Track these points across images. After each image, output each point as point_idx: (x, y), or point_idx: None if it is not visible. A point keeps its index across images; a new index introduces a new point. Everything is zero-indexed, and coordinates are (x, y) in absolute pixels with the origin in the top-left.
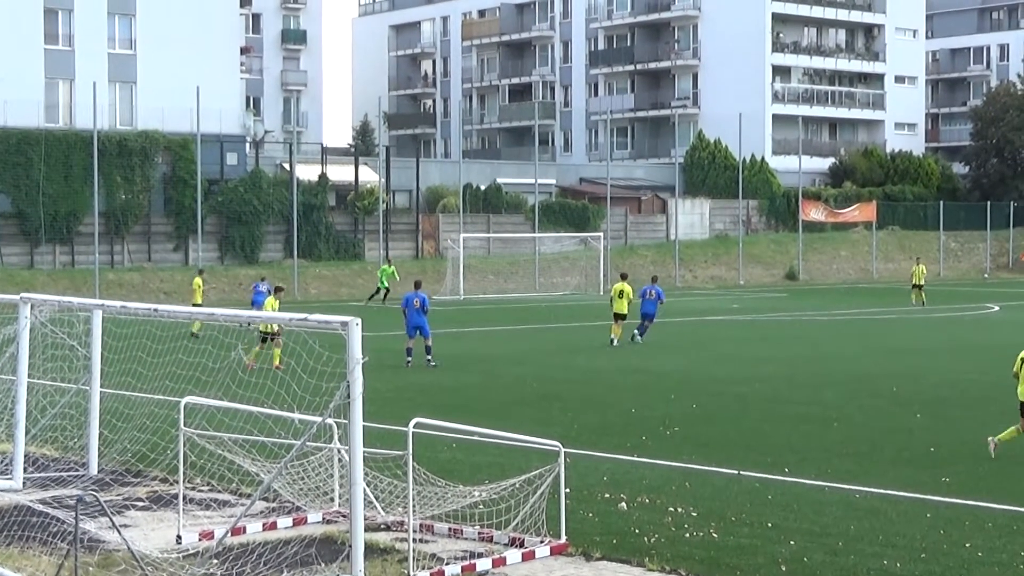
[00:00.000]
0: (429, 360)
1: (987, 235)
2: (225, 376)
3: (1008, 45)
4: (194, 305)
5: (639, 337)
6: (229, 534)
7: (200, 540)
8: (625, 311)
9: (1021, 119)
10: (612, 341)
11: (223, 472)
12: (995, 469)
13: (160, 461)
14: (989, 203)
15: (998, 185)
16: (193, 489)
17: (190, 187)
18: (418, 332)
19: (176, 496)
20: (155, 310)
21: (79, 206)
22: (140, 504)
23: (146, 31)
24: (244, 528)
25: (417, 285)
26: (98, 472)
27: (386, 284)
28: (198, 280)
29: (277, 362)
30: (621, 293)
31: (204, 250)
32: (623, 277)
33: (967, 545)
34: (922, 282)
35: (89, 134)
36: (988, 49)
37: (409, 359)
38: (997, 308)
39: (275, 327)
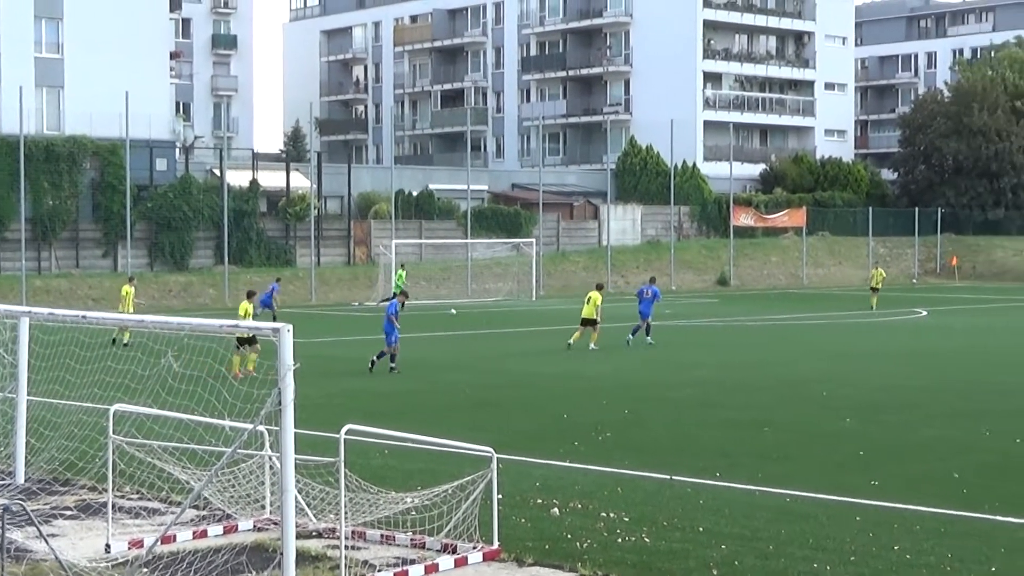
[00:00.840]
0: (392, 367)
1: (915, 241)
2: (155, 383)
3: (935, 53)
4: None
5: (632, 338)
6: (159, 542)
7: (129, 549)
8: (592, 316)
9: (948, 126)
10: (568, 345)
11: (153, 480)
12: (923, 472)
13: (89, 469)
14: (917, 209)
15: (926, 191)
16: (122, 497)
17: (119, 193)
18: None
19: (105, 505)
20: (83, 317)
21: (5, 212)
22: (68, 513)
23: (74, 35)
24: (174, 536)
25: (395, 295)
26: (25, 481)
27: (402, 288)
28: (127, 288)
29: (251, 367)
30: (589, 299)
31: (133, 256)
32: (598, 288)
33: (896, 548)
34: (879, 285)
35: (15, 139)
36: (916, 57)
37: (392, 365)
38: (925, 313)
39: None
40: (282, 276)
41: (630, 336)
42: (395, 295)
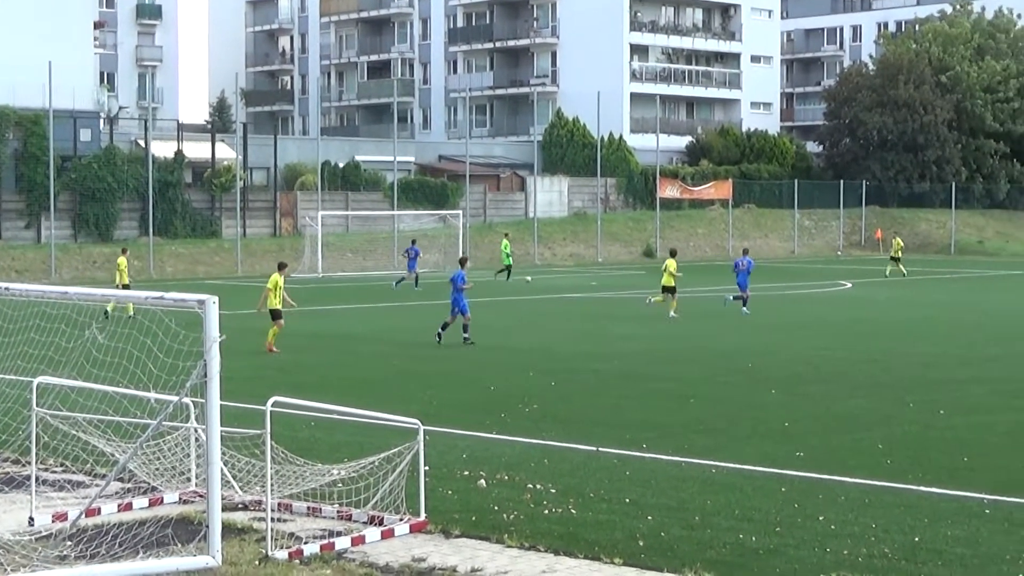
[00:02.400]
0: (466, 338)
1: (840, 213)
2: (79, 356)
3: (860, 26)
4: (122, 286)
5: (730, 300)
6: (83, 516)
7: (53, 522)
8: (671, 284)
9: (872, 99)
10: (648, 300)
11: (77, 453)
12: (847, 443)
13: (11, 442)
14: (842, 182)
15: (851, 164)
16: (46, 470)
17: (42, 164)
18: (456, 309)
19: (28, 478)
20: (6, 288)
21: None
22: None
23: None
24: (99, 509)
25: (461, 263)
26: None
27: (509, 260)
28: (122, 259)
29: (271, 344)
30: (665, 267)
31: (57, 227)
32: (672, 254)
33: (821, 518)
34: (899, 254)
35: None
36: (841, 30)
37: (466, 335)
38: (850, 285)
39: (280, 306)
40: (207, 247)
41: (730, 299)
42: (506, 267)
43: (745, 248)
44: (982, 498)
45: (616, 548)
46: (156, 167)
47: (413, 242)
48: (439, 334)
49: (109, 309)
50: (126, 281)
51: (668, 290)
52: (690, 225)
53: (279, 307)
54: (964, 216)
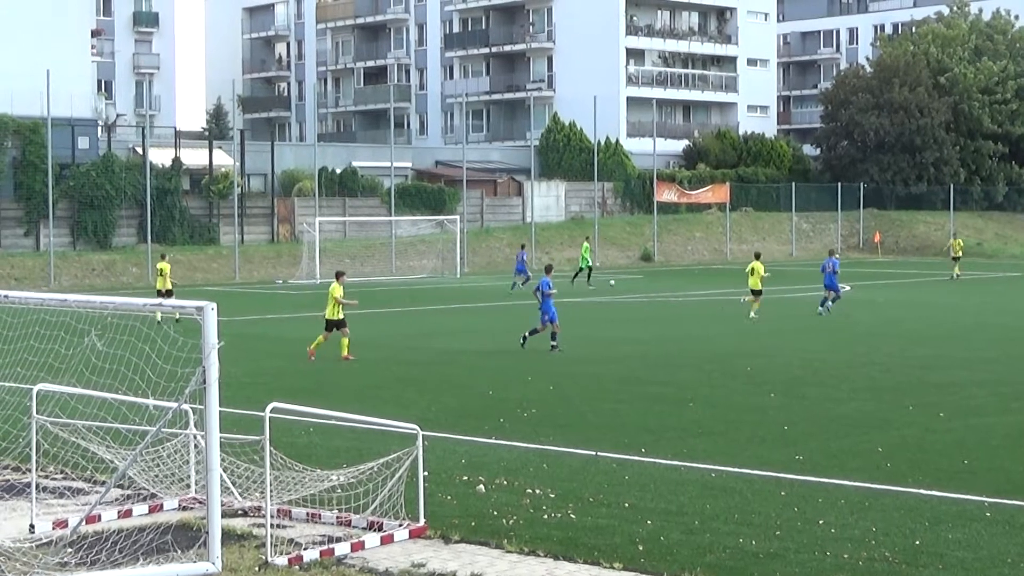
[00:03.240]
0: (554, 345)
1: (838, 216)
2: (78, 363)
3: (857, 29)
4: (165, 292)
5: (823, 309)
6: (83, 522)
7: (54, 529)
8: (758, 287)
9: (870, 102)
10: (742, 299)
11: (77, 460)
12: (847, 446)
13: (12, 450)
14: (840, 185)
15: (848, 167)
16: (46, 477)
17: (40, 171)
18: (546, 317)
19: (29, 485)
20: (6, 296)
21: None
22: None
23: None
24: (99, 516)
25: (547, 270)
26: None
27: (588, 263)
28: (165, 264)
29: (345, 352)
30: (752, 270)
31: (56, 235)
32: (757, 257)
33: (820, 522)
34: (960, 254)
35: None
36: (838, 32)
37: (553, 343)
38: (848, 288)
39: (341, 315)
40: (204, 254)
41: (820, 308)
42: (581, 269)
43: (831, 249)
44: (983, 501)
45: (615, 552)
46: (154, 174)
47: (522, 247)
48: (524, 338)
49: (159, 318)
50: (168, 286)
51: (755, 292)
52: (688, 229)
53: (341, 317)
54: (962, 218)
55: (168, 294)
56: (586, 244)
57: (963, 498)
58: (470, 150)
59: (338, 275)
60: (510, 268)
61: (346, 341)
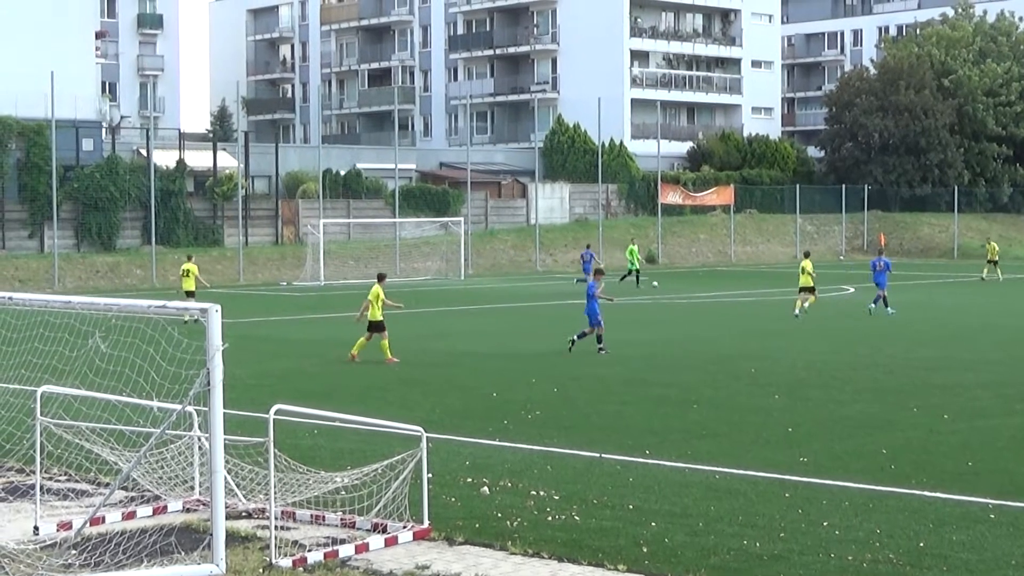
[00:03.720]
0: (601, 348)
1: (842, 218)
2: (82, 364)
3: (861, 30)
4: (187, 293)
5: (874, 307)
6: (88, 524)
7: (58, 531)
8: (810, 284)
9: (874, 104)
10: (796, 315)
11: (81, 461)
12: (851, 448)
13: (16, 451)
14: (844, 187)
15: (853, 169)
16: (50, 479)
17: (45, 173)
18: (593, 320)
19: (33, 486)
20: (10, 298)
21: None
22: None
23: None
24: (103, 518)
25: (597, 273)
26: None
27: (636, 265)
28: (190, 265)
29: (389, 355)
30: (803, 269)
31: (60, 237)
32: (807, 255)
33: (825, 524)
34: (996, 258)
35: None
36: (842, 34)
37: (600, 346)
38: (852, 290)
39: (381, 316)
40: (209, 256)
41: (871, 305)
42: (630, 272)
43: (880, 249)
44: (987, 503)
45: (620, 554)
46: (158, 176)
47: (588, 247)
48: (572, 342)
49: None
50: (192, 288)
51: (807, 290)
52: (692, 231)
53: (381, 319)
54: (967, 220)
55: (192, 296)
56: (633, 247)
57: (968, 500)
58: (474, 152)
59: (380, 277)
60: (514, 270)
61: (386, 343)
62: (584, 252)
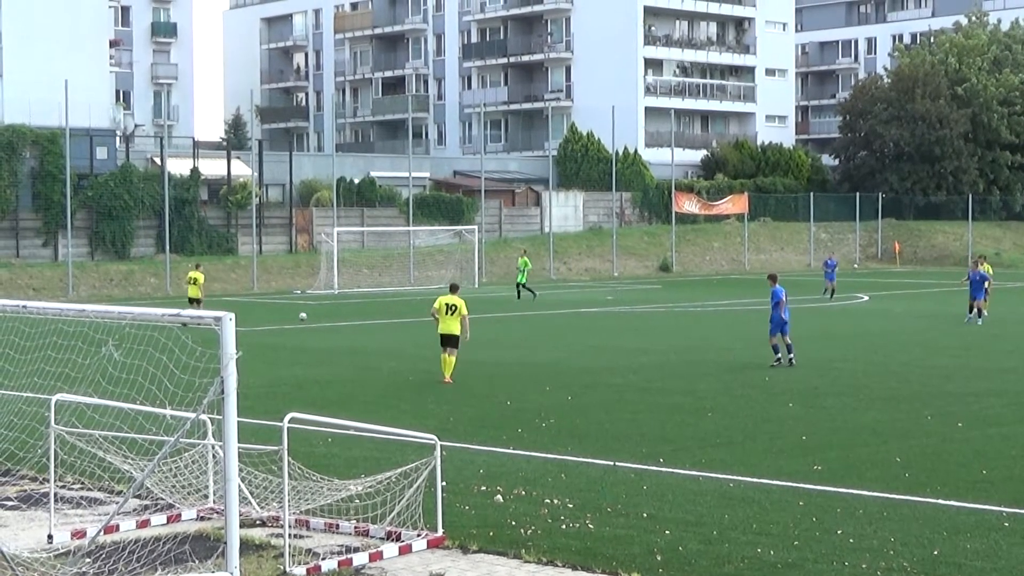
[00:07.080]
0: (791, 358)
1: (856, 226)
2: (95, 373)
3: (875, 38)
4: (192, 299)
5: (973, 318)
6: (102, 532)
7: (72, 539)
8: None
9: (888, 112)
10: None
11: (94, 470)
12: (865, 456)
13: (29, 459)
14: (858, 195)
15: (867, 177)
16: (64, 487)
17: (59, 182)
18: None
19: (47, 495)
20: (24, 307)
21: None
22: (9, 504)
23: (12, 23)
24: (117, 526)
25: (772, 279)
26: None
27: (523, 278)
28: (199, 274)
29: (449, 375)
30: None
31: (74, 245)
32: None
33: (839, 532)
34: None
35: None
36: (856, 42)
37: (777, 356)
38: (866, 298)
39: (458, 331)
40: (223, 264)
41: (969, 316)
42: (521, 284)
43: (975, 260)
44: (1001, 511)
45: (634, 563)
46: (172, 184)
47: (831, 255)
48: (788, 357)
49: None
50: (199, 295)
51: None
52: (706, 239)
53: (458, 333)
54: (981, 228)
55: (197, 303)
56: (525, 258)
57: (982, 508)
58: (488, 160)
59: (454, 288)
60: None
61: (454, 361)
62: (827, 261)
